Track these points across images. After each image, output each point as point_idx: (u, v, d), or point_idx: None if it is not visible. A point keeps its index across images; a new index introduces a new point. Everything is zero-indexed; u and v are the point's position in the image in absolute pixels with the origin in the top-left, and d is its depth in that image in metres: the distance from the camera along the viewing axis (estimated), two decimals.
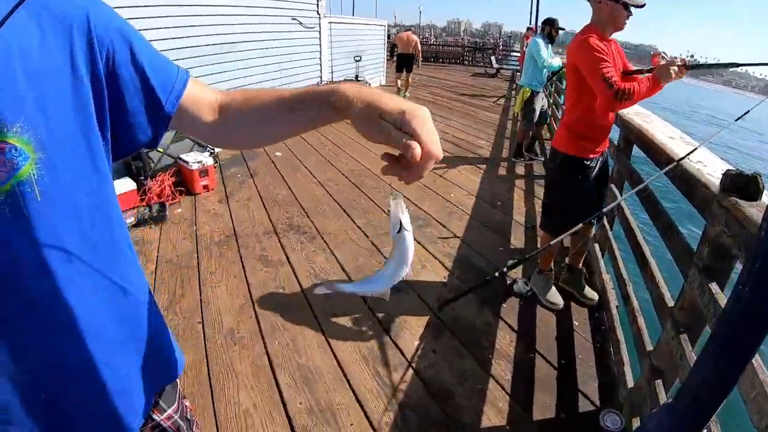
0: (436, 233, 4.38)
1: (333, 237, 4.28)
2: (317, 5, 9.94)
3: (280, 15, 8.75)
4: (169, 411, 1.14)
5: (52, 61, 0.72)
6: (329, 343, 2.90)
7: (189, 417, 1.27)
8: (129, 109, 0.83)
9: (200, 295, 3.50)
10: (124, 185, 5.09)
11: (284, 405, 2.48)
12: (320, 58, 10.49)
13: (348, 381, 2.61)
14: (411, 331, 3.01)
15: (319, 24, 10.11)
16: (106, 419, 0.92)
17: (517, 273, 3.64)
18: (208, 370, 2.76)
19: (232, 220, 4.81)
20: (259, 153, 7.09)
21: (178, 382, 1.22)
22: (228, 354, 2.87)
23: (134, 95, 0.83)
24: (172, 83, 0.86)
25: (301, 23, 9.33)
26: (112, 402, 0.91)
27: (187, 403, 1.28)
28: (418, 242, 4.17)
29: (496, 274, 2.62)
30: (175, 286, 3.63)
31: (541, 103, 6.40)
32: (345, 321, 3.10)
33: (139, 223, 4.82)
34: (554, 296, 3.27)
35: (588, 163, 2.86)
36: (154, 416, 1.09)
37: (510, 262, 2.77)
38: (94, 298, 0.85)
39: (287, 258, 3.96)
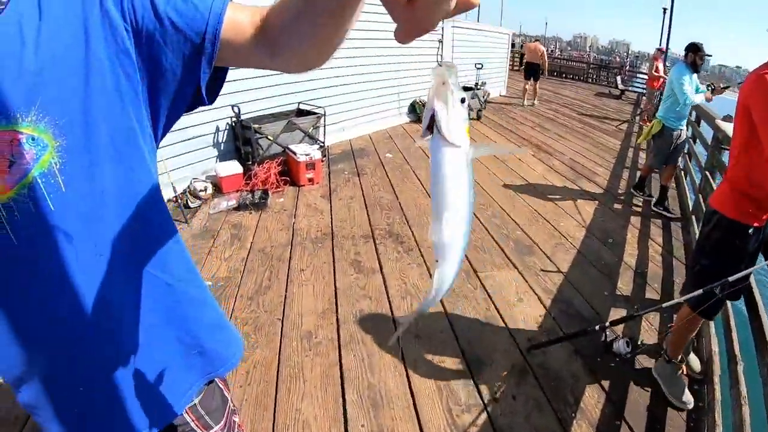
0: (539, 264, 4.18)
1: (431, 252, 4.18)
2: None
3: None
4: (216, 428, 1.18)
5: (65, 38, 0.70)
6: (406, 367, 2.84)
7: None
8: (165, 66, 0.78)
9: (285, 291, 3.57)
10: (231, 168, 5.34)
11: (345, 424, 2.45)
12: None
13: (417, 412, 2.54)
14: (494, 369, 2.88)
15: (443, 27, 9.97)
16: (139, 404, 0.95)
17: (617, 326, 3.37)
18: (278, 370, 2.80)
19: (331, 217, 4.90)
20: (369, 152, 7.20)
21: (229, 398, 1.25)
22: (301, 357, 2.90)
23: (166, 49, 0.76)
24: (206, 21, 0.75)
25: None
26: (144, 387, 0.95)
27: (237, 419, 1.31)
28: (518, 271, 4.02)
29: (597, 327, 2.45)
30: (263, 277, 3.73)
31: (676, 140, 5.60)
32: (427, 345, 3.02)
33: (240, 207, 5.02)
34: (685, 394, 2.77)
35: (749, 231, 2.41)
36: None
37: (614, 318, 2.56)
38: (127, 288, 0.87)
39: (380, 267, 3.95)
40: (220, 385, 1.24)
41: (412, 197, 5.53)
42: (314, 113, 6.55)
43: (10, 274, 0.76)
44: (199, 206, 5.25)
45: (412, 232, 4.61)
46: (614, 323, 2.59)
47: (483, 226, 4.82)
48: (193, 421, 1.15)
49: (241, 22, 0.77)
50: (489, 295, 3.56)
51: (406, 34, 0.44)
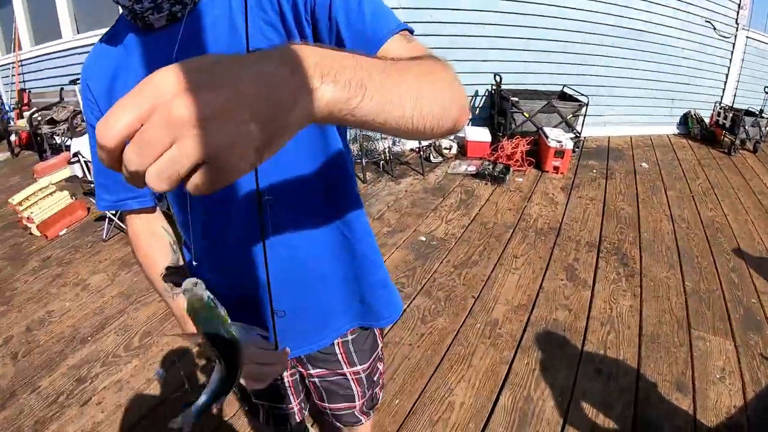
0: (762, 347, 3.29)
1: (653, 286, 3.78)
2: (737, 13, 8.35)
3: (691, 12, 7.71)
4: (359, 367, 1.35)
5: (259, 26, 0.82)
6: (572, 396, 2.61)
7: (376, 379, 1.46)
8: None
9: (491, 272, 3.54)
10: (480, 134, 5.36)
11: (486, 424, 2.38)
12: (726, 77, 8.94)
13: None
14: None
15: (735, 36, 8.55)
16: (297, 327, 1.14)
17: None
18: (450, 344, 2.82)
19: (564, 213, 4.68)
20: (625, 155, 6.66)
21: (380, 346, 1.42)
22: (477, 341, 2.87)
23: None
24: (365, 41, 0.79)
25: (714, 28, 8.09)
26: (306, 314, 1.13)
27: (381, 367, 1.51)
28: (735, 345, 3.26)
29: None
30: (475, 251, 3.74)
31: None
32: (605, 383, 2.73)
33: (479, 175, 5.04)
34: None
35: None
36: (344, 368, 1.33)
37: None
38: (313, 233, 1.04)
39: (593, 283, 3.66)
40: (376, 332, 1.39)
41: (655, 219, 4.99)
42: (577, 100, 6.18)
43: (215, 213, 0.99)
44: (440, 163, 5.38)
45: (641, 257, 4.17)
46: None
47: (718, 278, 4.07)
48: (341, 354, 1.31)
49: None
50: (692, 358, 3.05)
51: None
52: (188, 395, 2.68)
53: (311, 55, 0.47)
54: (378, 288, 1.24)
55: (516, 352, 2.85)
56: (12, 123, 7.94)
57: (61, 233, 4.67)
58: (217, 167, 0.40)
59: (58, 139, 6.86)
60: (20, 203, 4.68)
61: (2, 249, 4.53)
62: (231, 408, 2.57)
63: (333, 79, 0.47)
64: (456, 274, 3.43)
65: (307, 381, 1.43)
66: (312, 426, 2.35)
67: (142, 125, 0.38)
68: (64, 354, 3.06)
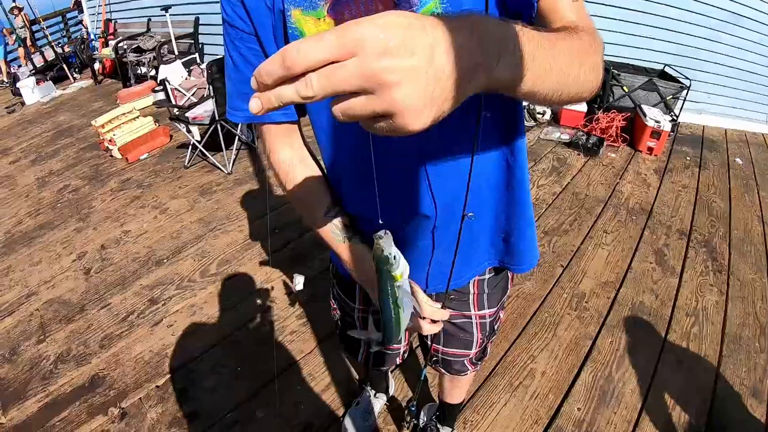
0: None
1: (739, 285, 3.54)
2: None
3: None
4: (486, 311, 1.32)
5: None
6: (652, 382, 2.51)
7: (496, 328, 1.43)
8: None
9: (581, 244, 3.43)
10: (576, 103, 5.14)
11: (565, 396, 2.34)
12: None
13: None
14: None
15: None
16: (442, 265, 1.07)
17: None
18: (536, 312, 2.76)
19: (656, 196, 4.44)
20: (719, 148, 6.19)
21: (509, 289, 1.36)
22: (563, 312, 2.80)
23: None
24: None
25: None
26: (454, 250, 0.98)
27: (502, 315, 1.47)
28: None
29: None
30: (566, 220, 3.63)
31: None
32: (686, 376, 2.59)
33: (572, 144, 4.86)
34: None
35: None
36: (471, 310, 1.29)
37: None
38: (482, 158, 0.96)
39: (681, 271, 3.49)
40: (509, 276, 1.33)
41: (746, 218, 4.65)
42: (679, 82, 5.75)
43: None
44: (532, 127, 5.21)
45: (729, 253, 3.92)
46: None
47: None
48: (473, 294, 1.27)
49: (557, 10, 0.76)
50: None
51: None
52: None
53: (496, 31, 0.49)
54: (526, 226, 1.15)
55: (601, 329, 2.77)
56: (96, 51, 8.09)
57: (142, 157, 4.74)
58: (395, 123, 0.42)
59: (143, 69, 6.97)
60: (103, 126, 4.76)
61: (82, 169, 4.64)
62: (308, 344, 2.58)
63: (508, 60, 0.49)
64: (545, 241, 3.33)
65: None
66: (391, 372, 2.36)
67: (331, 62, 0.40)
68: (138, 274, 3.11)
